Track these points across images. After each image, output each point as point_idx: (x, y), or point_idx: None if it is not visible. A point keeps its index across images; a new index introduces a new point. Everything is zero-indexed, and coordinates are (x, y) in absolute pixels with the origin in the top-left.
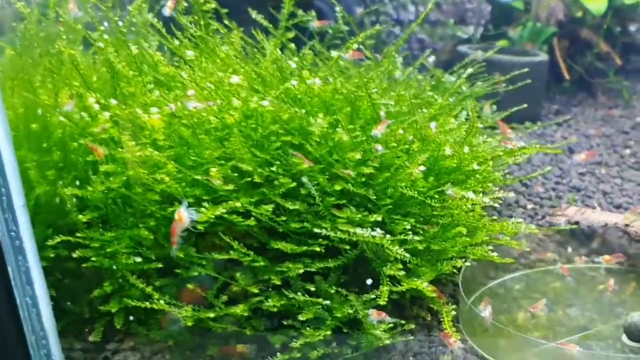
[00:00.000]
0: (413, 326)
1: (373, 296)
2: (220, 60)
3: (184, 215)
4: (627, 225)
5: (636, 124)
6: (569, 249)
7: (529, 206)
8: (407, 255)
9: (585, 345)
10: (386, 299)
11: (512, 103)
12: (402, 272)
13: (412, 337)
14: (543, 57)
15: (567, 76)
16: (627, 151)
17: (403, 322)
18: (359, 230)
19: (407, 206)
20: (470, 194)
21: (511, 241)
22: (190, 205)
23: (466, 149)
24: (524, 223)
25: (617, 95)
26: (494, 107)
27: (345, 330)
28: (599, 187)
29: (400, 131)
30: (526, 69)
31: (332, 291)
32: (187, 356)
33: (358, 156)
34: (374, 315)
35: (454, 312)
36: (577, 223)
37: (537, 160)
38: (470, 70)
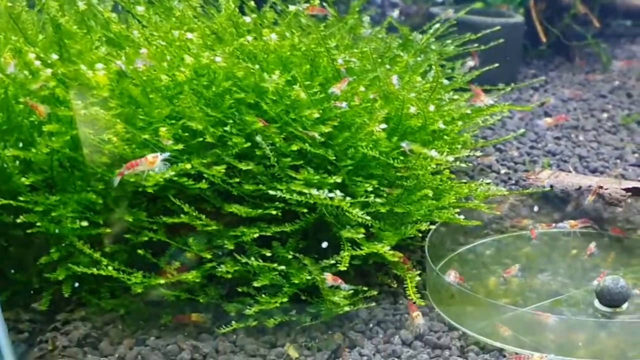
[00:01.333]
0: (375, 293)
1: (333, 262)
2: (177, 18)
3: (157, 161)
4: (600, 187)
5: (614, 88)
6: (534, 212)
7: (503, 171)
8: (368, 218)
9: (556, 311)
10: (347, 265)
11: (486, 66)
12: (364, 237)
13: (373, 304)
14: (518, 19)
15: (543, 39)
16: (605, 115)
17: (365, 288)
18: (316, 192)
19: (370, 168)
20: (433, 152)
21: (481, 205)
22: None
23: (432, 108)
24: (493, 185)
25: (595, 60)
26: (471, 63)
27: (303, 298)
28: (575, 151)
29: (362, 89)
30: (497, 28)
31: (290, 257)
32: (141, 326)
33: (316, 115)
34: (329, 279)
35: (419, 278)
36: (551, 187)
37: (512, 125)
38: (437, 26)
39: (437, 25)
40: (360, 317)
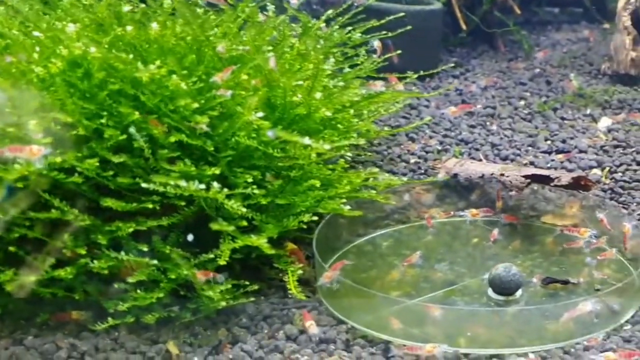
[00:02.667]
0: (256, 287)
1: (212, 256)
2: (62, 9)
3: (40, 154)
4: (502, 175)
5: (534, 76)
6: (438, 201)
7: (412, 160)
8: (245, 210)
9: (449, 301)
10: (227, 259)
11: (404, 54)
12: (247, 229)
13: (262, 299)
14: (437, 5)
15: (464, 26)
16: (522, 102)
17: (247, 283)
18: (184, 184)
19: (253, 158)
20: (306, 140)
21: (375, 195)
22: None
23: (318, 95)
24: (383, 174)
25: (519, 47)
26: (377, 50)
27: (182, 293)
28: (488, 139)
29: (245, 76)
30: (401, 15)
31: (168, 251)
32: (20, 325)
33: (195, 105)
34: (200, 276)
35: (301, 272)
36: (456, 175)
37: (427, 114)
38: (328, 12)
39: (346, 13)
40: (246, 312)
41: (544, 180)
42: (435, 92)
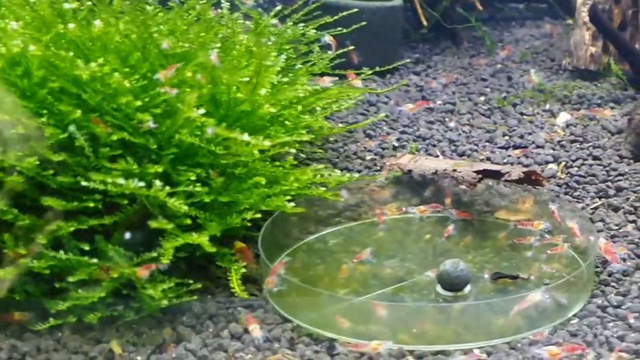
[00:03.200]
0: (200, 286)
1: (155, 255)
2: (5, 7)
3: None
4: (454, 170)
5: (496, 72)
6: (391, 198)
7: (368, 157)
8: (185, 208)
9: (397, 298)
10: (171, 257)
11: (365, 51)
12: (187, 228)
13: (197, 298)
14: (397, 2)
15: (424, 22)
16: (482, 98)
17: (191, 281)
18: (122, 182)
19: (197, 156)
20: (245, 137)
21: (325, 192)
22: None
23: (263, 92)
24: (335, 171)
25: (482, 43)
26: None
27: (125, 292)
28: (446, 135)
29: (190, 74)
30: (354, 10)
31: (110, 250)
32: None
33: (138, 102)
34: (141, 271)
35: (244, 270)
36: (410, 171)
37: (386, 110)
38: (277, 8)
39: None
40: (192, 311)
41: (495, 175)
42: (389, 88)
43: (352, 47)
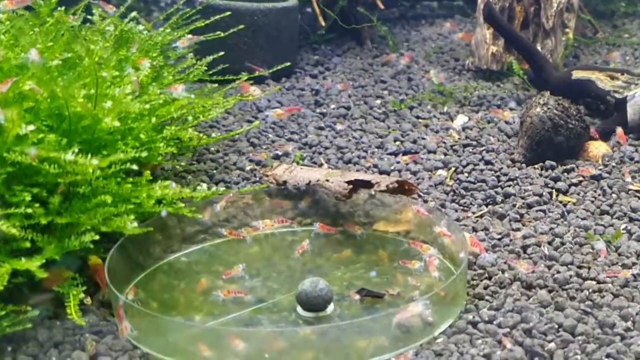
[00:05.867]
0: (37, 313)
1: None
2: None
3: None
4: (327, 180)
5: (397, 73)
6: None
7: (248, 167)
8: (15, 231)
9: (255, 320)
10: (4, 283)
11: (259, 54)
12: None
13: (29, 326)
14: (291, 2)
15: (322, 23)
16: (378, 101)
17: (29, 308)
18: None
19: (35, 175)
20: (69, 156)
21: (181, 208)
22: None
23: (108, 104)
24: (196, 185)
25: (387, 44)
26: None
27: None
28: (335, 141)
29: (29, 87)
30: (227, 14)
31: None
32: None
33: None
34: None
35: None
36: (285, 182)
37: (271, 118)
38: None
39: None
40: (37, 340)
41: (366, 185)
42: (289, 93)
43: (221, 54)
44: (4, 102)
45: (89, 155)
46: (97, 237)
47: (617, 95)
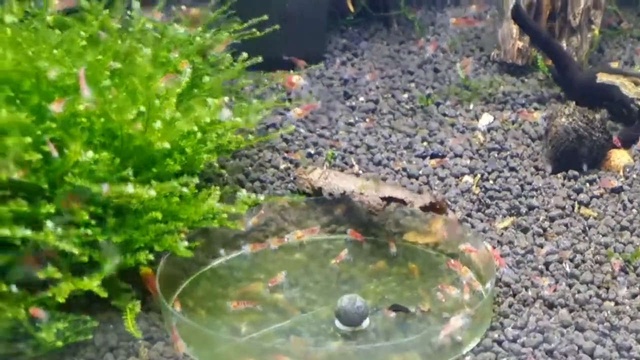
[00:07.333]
0: (96, 324)
1: (50, 294)
2: None
3: None
4: (361, 194)
5: (423, 62)
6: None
7: (282, 166)
8: (77, 250)
9: (295, 331)
10: (65, 297)
11: (289, 43)
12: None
13: (89, 337)
14: None
15: (351, 9)
16: (405, 95)
17: (88, 318)
18: (7, 232)
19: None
20: (129, 189)
21: (224, 220)
22: None
23: (158, 124)
24: (216, 201)
25: (413, 26)
26: None
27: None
28: (364, 139)
29: (81, 107)
30: None
31: (4, 289)
32: None
33: (28, 140)
34: (35, 313)
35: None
36: (320, 189)
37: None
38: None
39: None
40: (94, 344)
41: (400, 202)
42: (318, 82)
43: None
44: (62, 123)
45: (145, 183)
46: (151, 257)
47: None
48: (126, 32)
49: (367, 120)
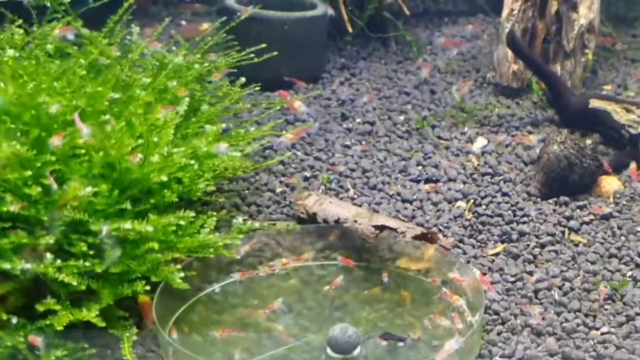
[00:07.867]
0: (94, 351)
1: (49, 322)
2: None
3: None
4: (355, 221)
5: (420, 83)
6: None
7: (279, 189)
8: (75, 282)
9: (289, 359)
10: (64, 325)
11: (289, 64)
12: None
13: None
14: (320, 11)
15: (349, 29)
16: (402, 117)
17: (86, 346)
18: (7, 266)
19: (89, 224)
20: (127, 225)
21: (219, 249)
22: None
23: (155, 158)
24: (212, 233)
25: (411, 46)
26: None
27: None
28: (360, 163)
29: (80, 141)
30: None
31: (5, 317)
32: None
33: (29, 173)
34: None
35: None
36: (315, 215)
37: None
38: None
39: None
40: None
41: (393, 231)
42: (315, 102)
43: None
44: (62, 156)
45: (143, 214)
46: (148, 288)
47: (632, 130)
48: (125, 59)
49: (364, 142)
